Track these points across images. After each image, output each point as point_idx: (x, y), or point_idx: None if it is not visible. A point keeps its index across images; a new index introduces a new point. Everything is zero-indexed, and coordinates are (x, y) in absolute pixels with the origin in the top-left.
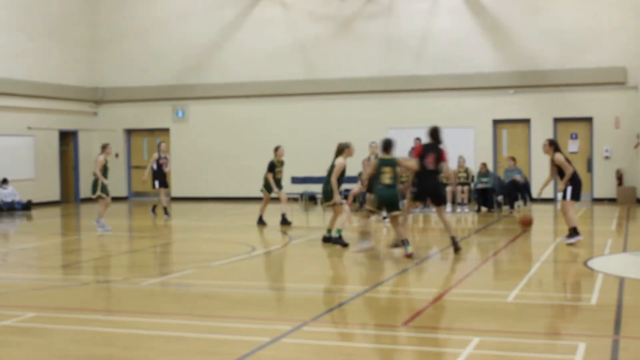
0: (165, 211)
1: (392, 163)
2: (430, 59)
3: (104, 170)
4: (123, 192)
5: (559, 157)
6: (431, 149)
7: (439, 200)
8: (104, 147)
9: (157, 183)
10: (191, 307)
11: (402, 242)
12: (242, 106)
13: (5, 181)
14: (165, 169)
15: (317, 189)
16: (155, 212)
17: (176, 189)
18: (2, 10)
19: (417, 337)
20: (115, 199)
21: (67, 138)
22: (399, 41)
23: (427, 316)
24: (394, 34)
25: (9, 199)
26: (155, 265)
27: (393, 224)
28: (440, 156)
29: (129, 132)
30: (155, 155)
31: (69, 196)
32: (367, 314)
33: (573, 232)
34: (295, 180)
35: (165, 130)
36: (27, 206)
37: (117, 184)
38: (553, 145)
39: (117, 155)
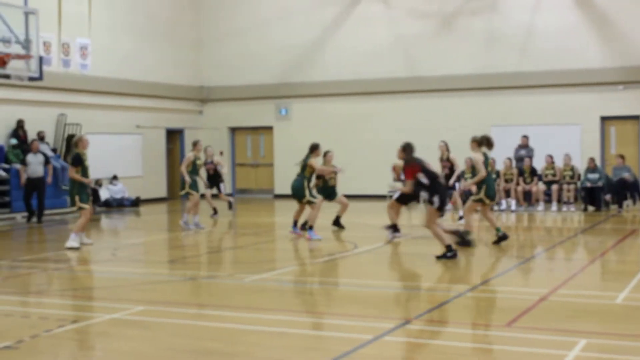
0: (215, 211)
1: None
2: (535, 55)
3: (194, 167)
4: (227, 189)
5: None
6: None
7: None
8: (194, 144)
9: (207, 184)
10: (294, 303)
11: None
12: (344, 104)
13: (115, 178)
14: (221, 170)
15: None
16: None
17: (279, 187)
18: (109, 11)
19: (521, 337)
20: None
21: (174, 136)
22: (503, 37)
23: (532, 317)
24: (497, 30)
25: (118, 196)
26: (259, 262)
27: None
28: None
29: (233, 130)
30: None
31: (175, 193)
32: (470, 313)
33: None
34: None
35: (269, 129)
36: (136, 202)
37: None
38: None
39: (221, 153)
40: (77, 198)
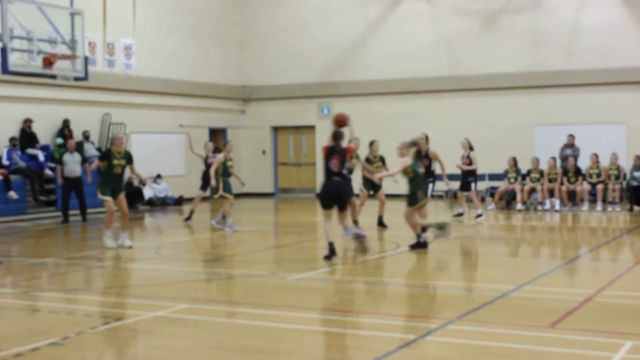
0: (191, 216)
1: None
2: (581, 53)
3: (225, 168)
4: (270, 189)
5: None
6: (335, 150)
7: (343, 206)
8: (224, 145)
9: (204, 184)
10: (336, 302)
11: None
12: (387, 103)
13: (159, 177)
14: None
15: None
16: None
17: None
18: (153, 12)
19: (565, 339)
20: (262, 195)
21: (217, 135)
22: (547, 35)
23: (577, 318)
24: (541, 28)
25: (162, 194)
26: (301, 261)
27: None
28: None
29: (276, 130)
30: (202, 153)
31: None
32: (514, 313)
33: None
34: (441, 177)
35: (311, 128)
36: (179, 201)
37: (263, 181)
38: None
39: (264, 152)
40: (98, 191)
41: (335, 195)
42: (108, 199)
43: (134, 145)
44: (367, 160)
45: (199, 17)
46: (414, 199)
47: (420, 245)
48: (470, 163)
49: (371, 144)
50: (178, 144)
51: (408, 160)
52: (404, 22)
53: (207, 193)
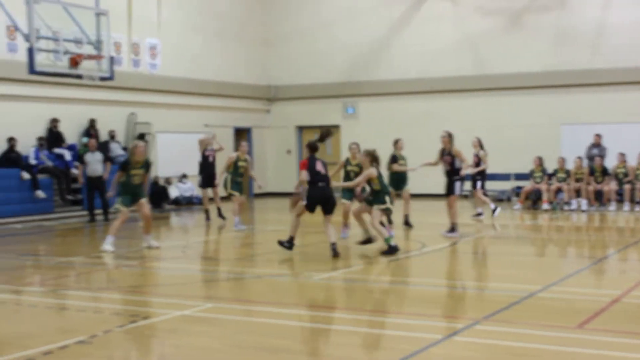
0: (207, 215)
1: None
2: (607, 52)
3: (235, 168)
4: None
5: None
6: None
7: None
8: (239, 145)
9: (203, 181)
10: (362, 302)
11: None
12: (411, 103)
13: (184, 176)
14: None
15: (489, 185)
16: (223, 216)
17: None
18: (178, 12)
19: (592, 340)
20: (288, 195)
21: (242, 135)
22: (573, 33)
23: (604, 319)
24: (567, 26)
25: (187, 194)
26: (326, 260)
27: None
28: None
29: (301, 129)
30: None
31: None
32: (541, 314)
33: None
34: (466, 177)
35: (336, 127)
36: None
37: (288, 180)
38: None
39: (288, 152)
40: (119, 199)
41: (320, 201)
42: (124, 210)
43: (160, 145)
44: (394, 157)
45: (223, 17)
46: (380, 201)
47: (392, 250)
48: (478, 162)
49: (396, 142)
50: None
51: (373, 171)
52: (427, 21)
53: (208, 191)
